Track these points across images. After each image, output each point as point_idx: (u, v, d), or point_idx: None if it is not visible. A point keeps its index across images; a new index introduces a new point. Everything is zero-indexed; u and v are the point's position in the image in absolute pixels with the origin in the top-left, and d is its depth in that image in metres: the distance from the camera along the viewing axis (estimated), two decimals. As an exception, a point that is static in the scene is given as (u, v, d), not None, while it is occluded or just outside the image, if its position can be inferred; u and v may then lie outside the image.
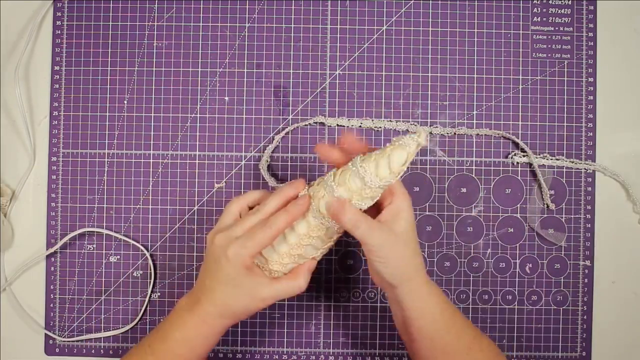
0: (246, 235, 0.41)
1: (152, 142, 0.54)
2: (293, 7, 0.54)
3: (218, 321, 0.43)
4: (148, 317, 0.54)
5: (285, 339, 0.54)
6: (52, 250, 0.54)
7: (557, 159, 0.54)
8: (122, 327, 0.54)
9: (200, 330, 0.43)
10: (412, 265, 0.42)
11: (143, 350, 0.44)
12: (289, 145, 0.54)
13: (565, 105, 0.54)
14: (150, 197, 0.54)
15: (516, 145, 0.54)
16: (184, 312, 0.43)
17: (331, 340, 0.54)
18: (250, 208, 0.46)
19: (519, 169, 0.54)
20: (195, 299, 0.43)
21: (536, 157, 0.53)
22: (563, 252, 0.54)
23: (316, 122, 0.54)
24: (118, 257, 0.54)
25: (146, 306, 0.54)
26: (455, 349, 0.42)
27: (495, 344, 0.45)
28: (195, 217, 0.54)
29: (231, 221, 0.44)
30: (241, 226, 0.42)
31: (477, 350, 0.43)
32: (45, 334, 0.54)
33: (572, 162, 0.53)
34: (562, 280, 0.54)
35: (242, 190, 0.54)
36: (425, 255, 0.54)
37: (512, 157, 0.54)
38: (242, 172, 0.54)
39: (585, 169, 0.54)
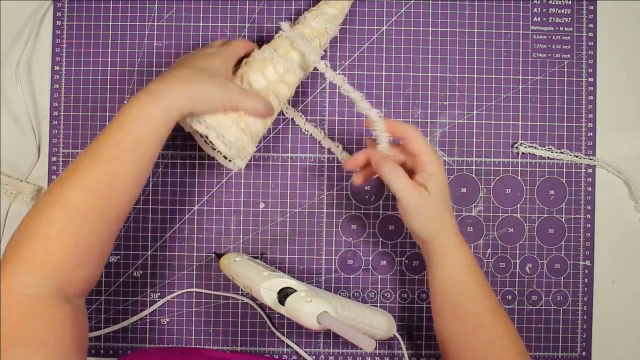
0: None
1: (152, 142, 0.54)
2: (293, 7, 0.54)
3: (179, 114, 0.42)
4: (148, 317, 0.54)
5: (285, 339, 0.54)
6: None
7: (561, 152, 0.54)
8: (121, 327, 0.54)
9: (167, 125, 0.41)
10: (440, 224, 0.45)
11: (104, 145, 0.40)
12: (289, 145, 0.54)
13: (565, 105, 0.54)
14: (150, 197, 0.54)
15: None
16: (149, 109, 0.41)
17: (331, 340, 0.54)
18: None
19: (519, 168, 0.54)
20: (160, 95, 0.41)
21: (541, 149, 0.54)
22: (563, 252, 0.54)
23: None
24: (118, 257, 0.54)
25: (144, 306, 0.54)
26: (465, 310, 0.45)
27: (516, 334, 0.46)
28: (195, 217, 0.54)
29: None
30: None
31: (487, 324, 0.45)
32: (45, 334, 0.54)
33: (577, 157, 0.53)
34: (562, 280, 0.54)
35: (242, 190, 0.54)
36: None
37: (517, 148, 0.54)
38: (242, 172, 0.54)
39: (587, 164, 0.54)
